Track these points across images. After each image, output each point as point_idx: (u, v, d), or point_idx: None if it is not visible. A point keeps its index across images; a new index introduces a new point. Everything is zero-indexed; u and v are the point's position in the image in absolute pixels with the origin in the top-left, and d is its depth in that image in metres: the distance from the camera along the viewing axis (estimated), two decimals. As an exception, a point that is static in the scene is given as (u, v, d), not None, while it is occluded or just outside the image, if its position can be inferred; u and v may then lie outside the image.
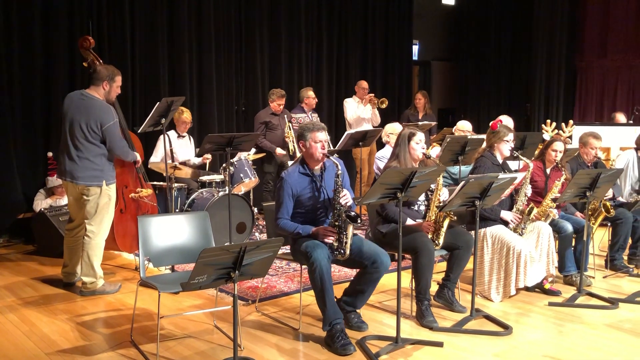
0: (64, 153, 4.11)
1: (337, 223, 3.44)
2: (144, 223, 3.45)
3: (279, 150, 6.38)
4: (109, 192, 4.19)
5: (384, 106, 7.27)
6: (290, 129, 6.31)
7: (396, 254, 3.90)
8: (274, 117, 6.45)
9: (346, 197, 3.42)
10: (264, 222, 4.93)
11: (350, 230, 3.41)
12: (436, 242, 3.81)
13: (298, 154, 6.06)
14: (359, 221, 3.35)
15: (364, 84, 7.39)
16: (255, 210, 5.92)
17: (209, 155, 5.94)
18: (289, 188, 3.48)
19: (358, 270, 3.61)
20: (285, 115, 6.42)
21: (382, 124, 6.71)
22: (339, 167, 3.47)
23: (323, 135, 3.52)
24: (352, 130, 6.28)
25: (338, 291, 3.69)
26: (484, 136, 4.75)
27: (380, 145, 6.29)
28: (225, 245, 2.71)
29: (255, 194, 6.68)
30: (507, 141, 4.20)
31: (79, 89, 4.22)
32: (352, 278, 3.71)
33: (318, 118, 6.87)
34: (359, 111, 7.26)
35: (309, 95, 6.78)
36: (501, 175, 3.62)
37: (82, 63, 4.84)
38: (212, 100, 6.98)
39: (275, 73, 7.63)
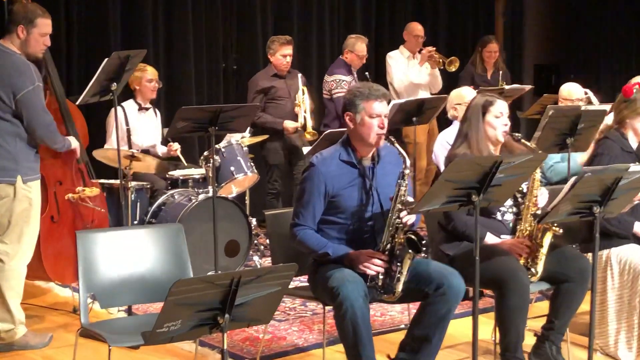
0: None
1: (389, 247, 3.47)
2: (86, 241, 3.44)
3: (288, 123, 6.31)
4: (28, 193, 4.21)
5: (452, 69, 7.26)
6: (303, 95, 6.31)
7: (470, 290, 3.88)
8: (278, 80, 6.44)
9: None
10: (267, 241, 4.96)
11: (409, 262, 3.44)
12: (532, 270, 3.80)
13: (309, 129, 6.12)
14: (424, 250, 3.39)
15: (418, 28, 7.39)
16: (254, 222, 5.96)
17: (176, 145, 5.89)
18: (322, 181, 3.51)
19: (415, 310, 3.62)
20: (299, 76, 6.41)
21: (447, 89, 6.69)
22: (406, 162, 3.49)
23: (383, 107, 3.55)
24: (401, 100, 6.28)
25: (381, 345, 3.67)
26: (607, 107, 4.70)
27: (444, 122, 6.25)
28: (208, 275, 2.74)
29: (254, 197, 6.70)
30: (648, 115, 4.20)
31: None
32: (405, 324, 3.75)
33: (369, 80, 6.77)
34: (411, 71, 7.26)
35: (360, 50, 6.76)
36: (634, 168, 3.58)
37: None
38: (188, 55, 7.02)
39: (283, 14, 7.65)
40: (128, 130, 5.69)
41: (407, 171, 3.48)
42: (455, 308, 3.50)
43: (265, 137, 6.32)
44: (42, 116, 4.19)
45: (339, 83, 6.65)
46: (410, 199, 3.52)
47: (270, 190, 6.49)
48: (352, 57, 6.77)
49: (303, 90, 6.34)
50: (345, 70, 6.76)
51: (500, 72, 7.51)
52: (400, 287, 3.45)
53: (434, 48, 7.28)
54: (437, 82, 7.35)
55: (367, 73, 6.81)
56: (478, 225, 3.32)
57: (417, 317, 3.57)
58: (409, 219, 3.46)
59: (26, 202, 4.21)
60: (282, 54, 6.35)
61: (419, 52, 7.28)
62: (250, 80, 6.53)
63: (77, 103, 4.79)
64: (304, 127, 6.25)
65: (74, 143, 4.49)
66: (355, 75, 6.84)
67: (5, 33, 4.21)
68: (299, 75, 6.42)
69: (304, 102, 6.29)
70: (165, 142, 5.98)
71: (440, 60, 7.22)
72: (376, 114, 3.52)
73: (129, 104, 5.86)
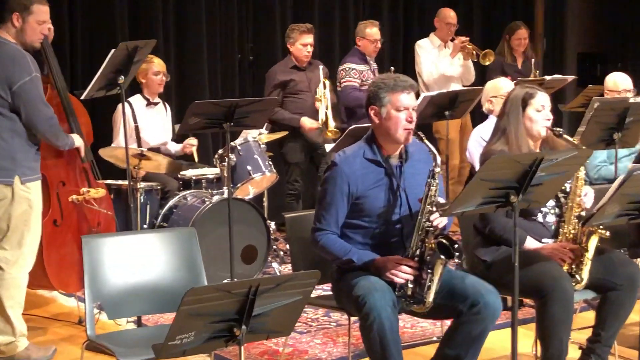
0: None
1: (418, 252, 3.45)
2: (92, 246, 3.45)
3: (306, 121, 6.26)
4: (27, 194, 4.21)
5: (486, 62, 7.14)
6: (325, 89, 6.25)
7: (509, 299, 3.82)
8: (298, 72, 6.41)
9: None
10: (287, 246, 4.92)
11: (440, 269, 3.42)
12: (577, 277, 3.81)
13: (331, 126, 6.06)
14: (457, 256, 3.37)
15: (450, 15, 7.30)
16: (273, 225, 5.93)
17: (194, 141, 5.94)
18: (345, 182, 3.51)
19: (449, 322, 3.61)
20: (321, 68, 6.37)
21: (480, 81, 6.60)
22: (437, 160, 3.47)
23: (410, 100, 3.53)
24: (433, 92, 6.21)
25: (411, 359, 3.63)
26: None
27: (478, 117, 6.17)
28: (224, 283, 2.72)
29: (273, 199, 6.70)
30: None
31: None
32: (437, 337, 3.76)
33: (392, 69, 6.66)
34: (441, 62, 7.17)
35: (370, 34, 6.68)
36: (688, 164, 3.53)
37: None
38: (200, 45, 7.02)
39: (303, 1, 7.65)
40: (136, 128, 5.74)
41: (437, 169, 3.46)
42: (490, 328, 3.49)
43: (285, 133, 6.28)
44: (42, 109, 4.18)
45: (348, 72, 6.57)
46: (442, 200, 3.51)
47: (289, 191, 6.47)
48: (365, 43, 6.69)
49: (324, 83, 6.28)
50: (357, 58, 6.68)
51: (532, 60, 7.42)
52: (431, 296, 3.42)
53: (467, 38, 7.20)
54: (470, 74, 7.29)
55: (392, 68, 6.73)
56: (517, 228, 3.31)
57: (449, 334, 3.57)
58: (440, 221, 3.45)
59: (25, 204, 4.20)
60: (302, 43, 6.31)
61: (451, 41, 7.21)
62: (268, 72, 6.51)
63: (82, 98, 4.81)
64: (325, 124, 6.17)
65: (77, 141, 4.49)
66: (374, 65, 6.75)
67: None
68: (321, 66, 6.37)
69: (325, 97, 6.23)
70: (177, 139, 5.96)
71: (474, 52, 7.12)
72: (403, 106, 3.49)
73: (137, 99, 5.86)
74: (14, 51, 4.13)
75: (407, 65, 7.86)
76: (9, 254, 4.19)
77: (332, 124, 6.13)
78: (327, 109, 6.20)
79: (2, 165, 4.13)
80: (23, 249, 4.22)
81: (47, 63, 4.62)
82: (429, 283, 3.41)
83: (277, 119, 6.29)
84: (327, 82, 6.29)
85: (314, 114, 6.26)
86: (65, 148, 4.41)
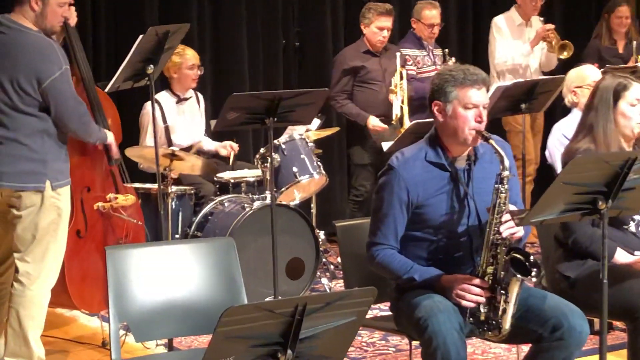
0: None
1: (490, 270, 3.44)
2: (118, 259, 3.46)
3: (372, 121, 6.29)
4: (57, 201, 4.26)
5: (565, 55, 7.01)
6: (402, 79, 6.25)
7: (596, 321, 3.80)
8: (371, 58, 6.45)
9: (511, 224, 3.40)
10: (339, 259, 4.94)
11: (516, 289, 3.39)
12: None
13: (407, 124, 6.00)
14: (535, 273, 3.34)
15: None
16: (322, 235, 5.98)
17: (235, 146, 5.95)
18: (403, 189, 3.51)
19: (526, 347, 3.63)
20: (398, 55, 6.37)
21: (563, 69, 6.54)
22: (504, 162, 3.43)
23: (481, 96, 3.50)
24: (507, 82, 6.19)
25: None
26: None
27: (560, 111, 6.12)
28: (266, 301, 2.74)
29: (322, 205, 6.71)
30: None
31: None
32: None
33: (452, 59, 6.66)
34: (519, 50, 7.08)
35: (427, 17, 6.68)
36: None
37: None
38: (240, 30, 7.07)
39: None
40: (166, 129, 5.77)
41: (506, 173, 3.41)
42: (575, 355, 3.46)
43: (336, 129, 6.31)
44: (74, 106, 4.25)
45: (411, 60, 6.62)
46: (512, 207, 3.47)
47: (353, 196, 6.54)
48: (419, 27, 6.72)
49: (401, 73, 6.29)
50: (412, 44, 6.72)
51: (634, 43, 7.32)
52: (508, 322, 3.40)
53: (553, 26, 7.07)
54: (552, 61, 7.20)
55: (446, 50, 6.70)
56: (606, 239, 3.27)
57: None
58: (512, 232, 3.40)
59: (54, 213, 4.25)
60: (378, 26, 6.36)
61: (538, 16, 7.08)
62: (336, 56, 6.59)
63: (106, 90, 4.85)
64: (400, 120, 6.15)
65: (109, 137, 4.54)
66: (431, 50, 6.75)
67: (15, 5, 4.23)
68: (398, 53, 6.37)
69: (401, 88, 6.23)
70: (212, 136, 6.00)
71: (556, 45, 6.99)
72: (472, 103, 3.47)
73: (164, 97, 5.90)
74: (41, 42, 4.18)
75: (478, 52, 7.79)
76: (31, 267, 4.22)
77: (408, 121, 6.09)
78: (402, 103, 6.20)
79: (32, 170, 4.18)
80: (46, 263, 4.26)
81: (72, 51, 4.66)
82: (504, 306, 3.38)
83: (344, 113, 6.33)
84: (404, 72, 6.29)
85: (388, 108, 6.26)
86: (97, 142, 4.47)
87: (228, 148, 6.01)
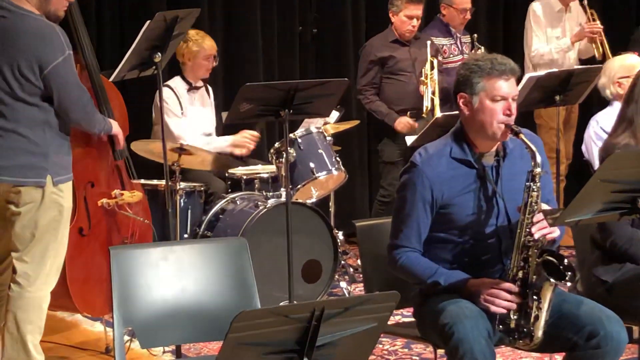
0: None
1: (521, 274, 3.43)
2: (123, 260, 3.47)
3: (400, 125, 6.31)
4: (58, 198, 4.27)
5: (599, 51, 6.91)
6: (433, 69, 6.26)
7: (635, 329, 3.80)
8: (400, 48, 6.49)
9: (543, 224, 3.39)
10: (359, 261, 4.95)
11: (549, 294, 3.39)
12: None
13: (437, 115, 5.99)
14: (569, 277, 3.33)
15: None
16: (340, 236, 5.99)
17: (254, 134, 5.92)
18: (427, 187, 3.52)
19: (560, 356, 3.65)
20: (429, 44, 6.39)
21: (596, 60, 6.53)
22: (536, 158, 3.43)
23: (510, 87, 3.50)
24: (540, 72, 6.18)
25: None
26: None
27: (596, 102, 6.11)
28: (281, 305, 2.74)
29: (341, 203, 6.71)
30: None
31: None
32: None
33: (481, 48, 6.69)
34: (556, 40, 7.05)
35: (459, 2, 6.67)
36: None
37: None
38: (254, 16, 7.10)
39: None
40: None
41: (538, 170, 3.41)
42: None
43: (356, 122, 6.32)
44: (77, 94, 4.25)
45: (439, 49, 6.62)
46: (545, 207, 3.46)
47: (381, 196, 6.56)
48: (451, 13, 6.71)
49: (432, 62, 6.30)
50: (438, 31, 6.73)
51: None
52: (540, 330, 3.39)
53: (602, 27, 6.94)
54: (590, 49, 7.15)
55: (475, 35, 6.68)
56: None
57: None
58: (545, 233, 3.40)
59: (55, 210, 4.26)
60: (407, 14, 6.39)
61: (581, 4, 7.02)
62: (363, 46, 6.62)
63: (111, 79, 4.86)
64: (432, 112, 6.16)
65: (115, 127, 4.54)
66: (459, 38, 6.75)
67: None
68: (429, 42, 6.40)
69: (432, 79, 6.25)
70: (222, 130, 6.00)
71: (598, 35, 6.87)
72: (501, 95, 3.47)
73: (177, 83, 5.92)
74: (43, 26, 4.17)
75: (508, 41, 7.77)
76: (29, 268, 4.23)
77: (439, 113, 6.08)
78: (433, 94, 6.22)
79: (33, 164, 4.18)
80: (46, 263, 4.26)
81: (76, 36, 4.66)
82: (536, 312, 3.38)
83: (371, 110, 6.35)
84: (435, 62, 6.31)
85: (418, 100, 6.28)
86: (101, 133, 4.48)
87: (247, 137, 5.95)
